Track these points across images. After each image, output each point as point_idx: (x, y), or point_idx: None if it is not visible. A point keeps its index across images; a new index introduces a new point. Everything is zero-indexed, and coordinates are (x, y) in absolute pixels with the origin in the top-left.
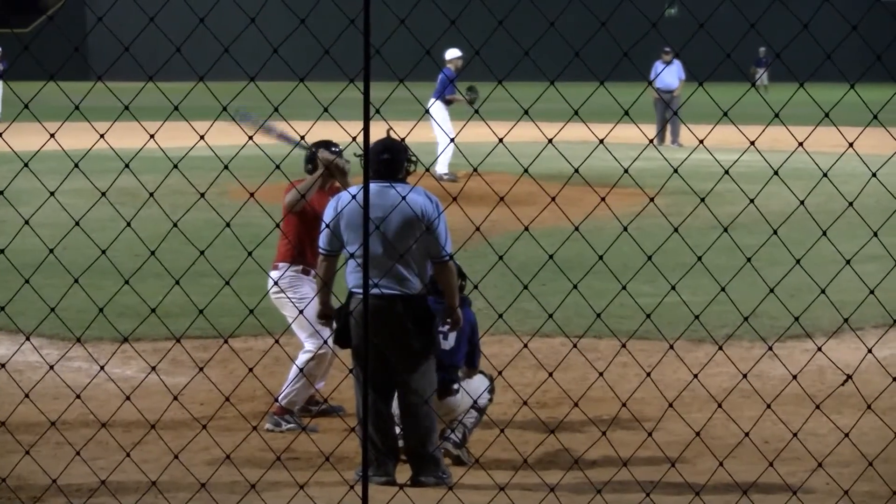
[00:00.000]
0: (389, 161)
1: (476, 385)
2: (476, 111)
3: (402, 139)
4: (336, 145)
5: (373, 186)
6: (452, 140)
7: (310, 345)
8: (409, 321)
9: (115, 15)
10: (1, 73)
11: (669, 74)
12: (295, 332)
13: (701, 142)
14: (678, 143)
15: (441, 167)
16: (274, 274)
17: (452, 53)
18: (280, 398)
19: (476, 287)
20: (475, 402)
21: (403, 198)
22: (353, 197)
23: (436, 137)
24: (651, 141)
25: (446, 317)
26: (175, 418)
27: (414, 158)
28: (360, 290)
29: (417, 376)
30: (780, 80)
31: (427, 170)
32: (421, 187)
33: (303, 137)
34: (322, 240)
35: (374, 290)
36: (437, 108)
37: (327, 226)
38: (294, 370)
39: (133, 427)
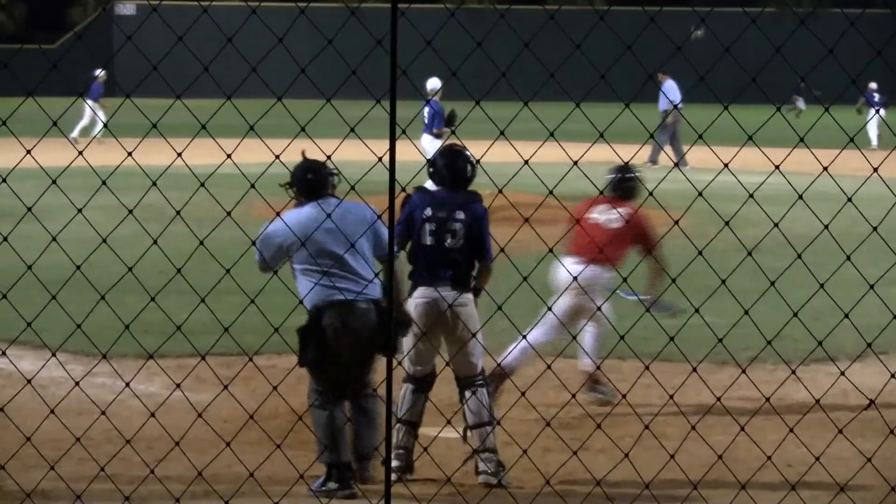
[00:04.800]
0: (315, 180)
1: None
2: (453, 130)
3: (329, 157)
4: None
5: (312, 206)
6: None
7: None
8: (377, 324)
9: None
10: (96, 97)
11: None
12: None
13: (726, 165)
14: (684, 163)
15: None
16: None
17: (436, 83)
18: None
19: (500, 308)
20: (494, 419)
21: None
22: (281, 219)
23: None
24: (676, 164)
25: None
26: (199, 435)
27: (336, 172)
28: (339, 298)
29: (373, 374)
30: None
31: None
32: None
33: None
34: (264, 260)
35: (349, 297)
36: (428, 142)
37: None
38: None
39: (157, 443)
